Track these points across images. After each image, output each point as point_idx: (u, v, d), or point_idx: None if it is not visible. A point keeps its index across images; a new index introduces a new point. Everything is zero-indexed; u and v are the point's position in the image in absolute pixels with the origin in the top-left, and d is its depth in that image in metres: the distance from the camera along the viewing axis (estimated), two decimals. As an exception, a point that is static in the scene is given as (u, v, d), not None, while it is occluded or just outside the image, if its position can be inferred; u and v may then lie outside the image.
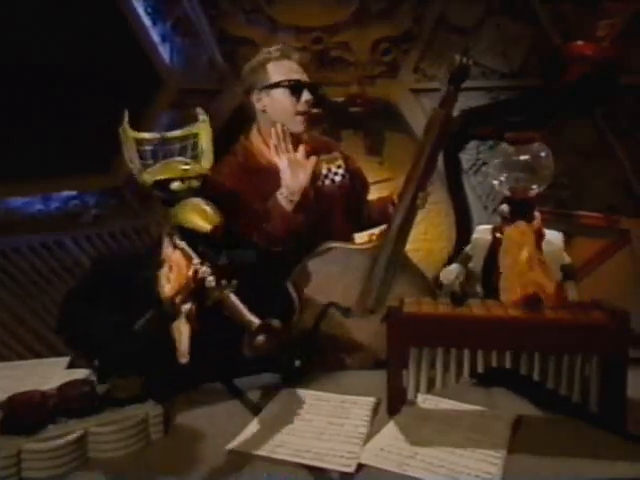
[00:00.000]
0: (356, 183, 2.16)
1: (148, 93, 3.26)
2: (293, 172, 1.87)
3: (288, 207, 1.88)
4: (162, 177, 1.47)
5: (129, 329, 1.43)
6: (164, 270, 1.44)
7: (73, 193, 3.16)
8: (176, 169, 1.48)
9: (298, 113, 1.96)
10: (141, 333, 1.41)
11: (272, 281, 1.72)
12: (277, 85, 1.96)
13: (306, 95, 1.95)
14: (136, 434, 1.24)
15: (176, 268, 1.42)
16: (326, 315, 1.78)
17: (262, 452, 1.21)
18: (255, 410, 1.41)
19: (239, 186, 1.91)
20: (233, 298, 1.28)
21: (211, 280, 1.31)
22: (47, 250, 3.05)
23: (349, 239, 2.04)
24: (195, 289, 1.35)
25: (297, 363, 1.68)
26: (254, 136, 2.05)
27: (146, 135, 1.53)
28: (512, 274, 1.43)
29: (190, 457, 1.21)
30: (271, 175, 1.93)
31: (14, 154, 2.76)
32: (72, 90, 2.90)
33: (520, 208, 1.51)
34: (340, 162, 2.10)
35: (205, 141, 1.55)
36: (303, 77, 1.98)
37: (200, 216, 1.42)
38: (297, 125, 1.98)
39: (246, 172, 1.97)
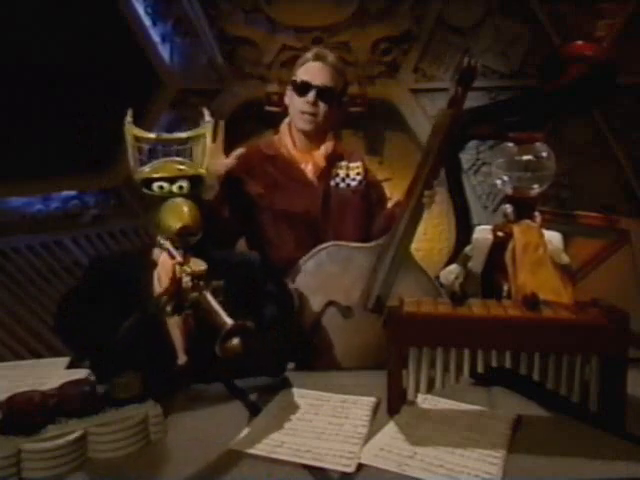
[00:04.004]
0: (372, 194, 2.17)
1: (148, 93, 3.26)
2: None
3: (208, 195, 1.86)
4: (152, 175, 1.49)
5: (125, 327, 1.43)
6: (157, 270, 1.46)
7: (73, 193, 3.16)
8: (171, 169, 1.50)
9: (302, 112, 2.01)
10: (126, 336, 1.40)
11: (270, 280, 1.71)
12: (293, 84, 2.04)
13: (310, 96, 1.99)
14: (136, 434, 1.24)
15: (162, 269, 1.43)
16: (326, 314, 1.78)
17: (262, 452, 1.21)
18: (255, 410, 1.41)
19: (250, 167, 2.00)
20: (210, 299, 1.25)
21: (187, 281, 1.29)
22: (47, 250, 3.06)
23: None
24: (176, 289, 1.34)
25: (290, 366, 1.68)
26: (284, 126, 2.11)
27: (152, 135, 1.54)
28: (525, 273, 1.44)
29: (190, 457, 1.20)
30: (286, 164, 2.04)
31: (14, 154, 2.76)
32: (72, 90, 2.90)
33: (521, 207, 1.52)
34: (360, 170, 2.13)
35: (208, 141, 1.56)
36: (321, 80, 1.99)
37: (174, 215, 1.43)
38: (302, 123, 2.03)
39: (260, 157, 2.05)
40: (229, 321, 1.19)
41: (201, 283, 1.28)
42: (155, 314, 1.38)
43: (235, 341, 1.18)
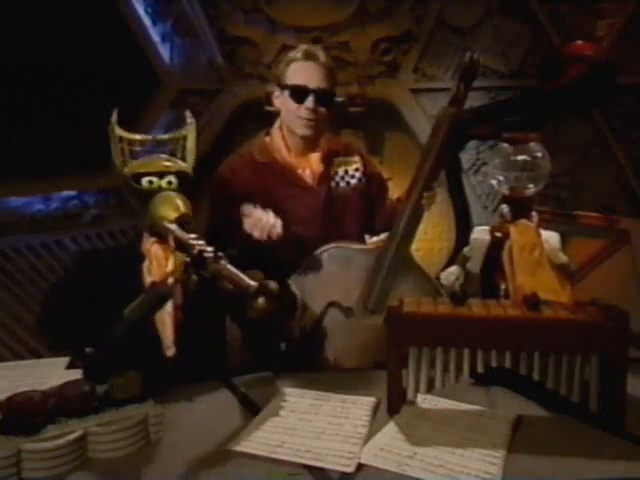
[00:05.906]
0: (373, 188, 2.13)
1: (148, 93, 3.26)
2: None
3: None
4: (140, 170, 1.55)
5: (116, 321, 1.43)
6: (146, 263, 1.52)
7: (73, 193, 3.16)
8: (158, 164, 1.57)
9: (300, 118, 1.94)
10: (130, 319, 1.41)
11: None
12: (285, 87, 1.95)
13: (309, 102, 1.91)
14: (136, 434, 1.24)
15: (155, 261, 1.50)
16: (327, 314, 1.78)
17: (262, 452, 1.21)
18: (255, 410, 1.41)
19: (245, 180, 1.95)
20: (230, 267, 1.31)
21: (209, 251, 1.33)
22: (47, 250, 3.05)
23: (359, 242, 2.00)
24: (193, 262, 1.36)
25: (282, 346, 1.75)
26: (275, 130, 2.05)
27: (137, 136, 1.62)
28: (523, 274, 1.45)
29: (190, 457, 1.21)
30: (282, 171, 1.99)
31: (14, 154, 2.76)
32: (72, 90, 2.90)
33: (518, 207, 1.53)
34: (358, 165, 2.09)
35: (190, 142, 1.64)
36: (317, 82, 1.92)
37: (169, 206, 1.49)
38: (300, 129, 1.96)
39: (256, 166, 1.99)
40: (252, 283, 1.26)
41: (219, 253, 1.32)
42: (166, 295, 1.39)
43: (260, 300, 1.25)
